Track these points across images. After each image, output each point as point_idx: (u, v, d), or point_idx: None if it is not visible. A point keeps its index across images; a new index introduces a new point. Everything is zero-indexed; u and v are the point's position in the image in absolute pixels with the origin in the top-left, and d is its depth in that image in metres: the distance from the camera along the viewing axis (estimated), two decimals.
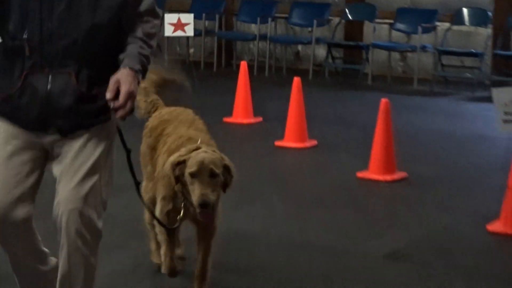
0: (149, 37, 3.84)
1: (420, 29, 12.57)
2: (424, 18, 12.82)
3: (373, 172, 7.64)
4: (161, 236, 4.75)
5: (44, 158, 3.83)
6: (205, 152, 4.51)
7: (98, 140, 3.81)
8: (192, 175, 4.35)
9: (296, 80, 8.86)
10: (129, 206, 5.90)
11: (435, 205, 6.95)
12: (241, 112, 9.94)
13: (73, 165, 3.74)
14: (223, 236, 6.01)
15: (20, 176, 3.73)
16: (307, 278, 5.34)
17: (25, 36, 3.69)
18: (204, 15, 13.81)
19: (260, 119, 9.90)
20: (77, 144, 3.76)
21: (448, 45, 12.83)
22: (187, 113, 5.38)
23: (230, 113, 9.96)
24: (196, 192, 4.33)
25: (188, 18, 11.78)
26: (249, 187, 7.30)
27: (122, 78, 3.62)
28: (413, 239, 6.09)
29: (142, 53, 3.76)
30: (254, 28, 13.87)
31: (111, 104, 3.60)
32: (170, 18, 11.82)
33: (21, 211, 3.69)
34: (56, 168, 3.79)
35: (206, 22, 13.98)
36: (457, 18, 12.80)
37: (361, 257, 5.72)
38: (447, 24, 12.86)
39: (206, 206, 4.33)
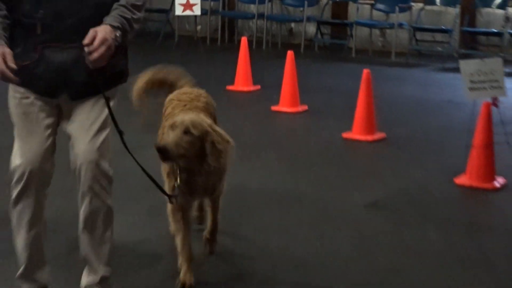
0: (133, 6, 3.74)
1: (397, 9, 12.54)
2: None
3: (356, 133, 7.61)
4: (174, 224, 4.44)
5: (57, 122, 3.89)
6: (188, 114, 4.25)
7: (104, 101, 3.83)
8: (169, 127, 4.09)
9: (290, 53, 8.82)
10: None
11: (410, 161, 6.94)
12: (242, 81, 9.91)
13: (86, 123, 3.80)
14: (229, 189, 5.99)
15: (44, 135, 3.80)
16: (299, 225, 5.33)
17: (39, 15, 3.65)
18: None
19: (258, 87, 9.89)
20: (87, 105, 3.82)
21: (421, 23, 12.80)
22: (190, 92, 4.86)
23: (232, 82, 9.93)
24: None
25: None
26: (248, 146, 7.28)
27: (99, 29, 3.56)
28: (390, 191, 6.07)
29: (122, 15, 3.68)
30: (253, 8, 13.81)
31: (86, 49, 3.53)
32: (180, 0, 11.73)
33: (48, 164, 3.81)
34: (70, 127, 3.84)
35: (211, 3, 13.93)
36: None
37: (345, 207, 5.71)
38: (420, 5, 12.83)
39: (159, 149, 3.96)
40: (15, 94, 3.82)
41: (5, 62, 3.50)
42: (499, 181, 6.20)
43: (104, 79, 3.77)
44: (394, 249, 4.94)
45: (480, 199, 5.98)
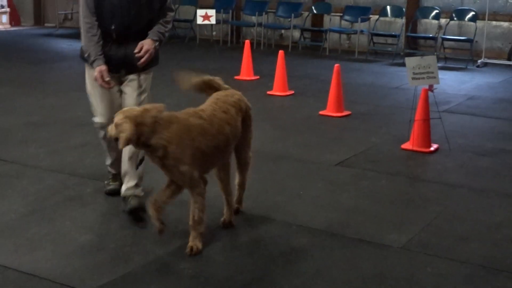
0: (166, 22, 4.53)
1: (359, 19, 12.46)
2: (362, 12, 12.68)
3: (329, 111, 7.58)
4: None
5: (120, 89, 4.56)
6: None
7: (146, 77, 4.58)
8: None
9: (281, 52, 8.78)
10: None
11: (368, 131, 6.92)
12: (246, 72, 9.85)
13: (135, 87, 4.52)
14: None
15: (114, 95, 4.54)
16: (287, 177, 5.35)
17: (113, 27, 4.41)
18: (222, 10, 13.67)
19: (258, 77, 9.85)
20: (136, 77, 4.52)
21: (377, 30, 12.71)
22: (227, 92, 4.43)
23: (238, 73, 9.88)
24: None
25: (212, 12, 11.65)
26: None
27: (145, 42, 4.39)
28: (354, 153, 6.07)
29: (159, 31, 4.48)
30: (254, 18, 13.71)
31: (136, 55, 4.35)
32: (200, 12, 11.66)
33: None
34: (125, 89, 4.54)
35: (223, 14, 13.83)
36: (383, 12, 12.65)
37: (320, 164, 5.72)
38: (376, 16, 12.73)
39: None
40: (93, 70, 4.42)
41: (102, 78, 4.34)
42: (433, 146, 6.21)
43: (150, 63, 4.50)
44: (356, 194, 4.98)
45: (419, 159, 6.00)
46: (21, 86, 8.83)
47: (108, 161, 4.80)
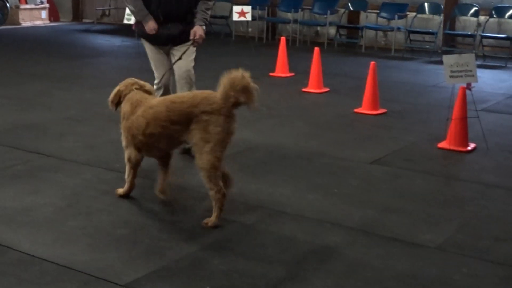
0: (207, 9, 5.62)
1: (396, 16, 12.36)
2: (399, 9, 12.57)
3: (364, 109, 7.54)
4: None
5: (168, 56, 5.76)
6: None
7: (188, 45, 5.57)
8: None
9: (316, 49, 8.75)
10: None
11: (404, 130, 6.87)
12: (281, 69, 9.85)
13: (183, 54, 5.52)
14: (266, 146, 6.03)
15: (166, 62, 5.72)
16: (321, 174, 5.33)
17: (159, 12, 5.53)
18: (258, 6, 13.69)
19: (293, 73, 9.84)
20: (182, 48, 5.59)
21: (414, 27, 12.59)
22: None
23: (274, 70, 9.89)
24: None
25: (248, 8, 11.65)
26: (285, 116, 7.28)
27: (197, 29, 5.52)
28: (389, 151, 6.04)
29: (203, 17, 5.59)
30: (289, 15, 13.69)
31: (192, 40, 5.51)
32: (236, 9, 11.68)
33: (169, 77, 5.74)
34: (174, 57, 5.63)
35: (259, 11, 13.84)
36: (420, 9, 12.53)
37: (354, 162, 5.69)
38: (413, 13, 12.60)
39: None
40: (149, 45, 5.74)
41: (155, 28, 5.54)
42: (470, 146, 6.14)
43: (186, 38, 5.56)
44: (391, 193, 4.95)
45: (456, 158, 5.93)
46: (59, 81, 8.97)
47: None
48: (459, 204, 4.76)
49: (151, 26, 5.52)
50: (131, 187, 4.63)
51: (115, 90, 4.62)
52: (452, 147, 6.08)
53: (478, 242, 4.09)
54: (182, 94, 4.87)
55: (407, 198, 4.83)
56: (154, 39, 5.63)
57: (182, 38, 5.58)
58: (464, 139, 6.10)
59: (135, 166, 4.55)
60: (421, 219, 4.44)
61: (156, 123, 4.26)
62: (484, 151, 6.10)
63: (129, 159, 4.54)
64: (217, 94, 4.25)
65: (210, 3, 5.62)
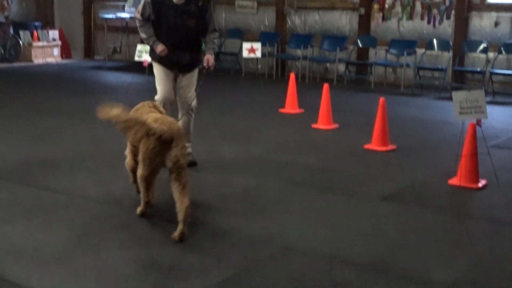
0: (214, 40, 6.34)
1: (405, 52, 12.42)
2: (408, 46, 12.65)
3: (374, 145, 7.53)
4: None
5: (175, 80, 6.35)
6: None
7: (194, 74, 6.39)
8: None
9: (325, 85, 8.77)
10: None
11: (414, 166, 6.84)
12: (290, 105, 9.87)
13: (187, 83, 6.32)
14: (274, 183, 6.01)
15: (171, 83, 6.32)
16: (331, 209, 5.30)
17: (169, 41, 6.16)
18: (267, 43, 13.80)
19: (302, 110, 9.86)
20: (188, 75, 6.33)
21: (423, 63, 12.65)
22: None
23: (283, 106, 9.92)
24: None
25: (257, 45, 11.77)
26: (294, 152, 7.27)
27: (209, 57, 6.22)
28: (399, 188, 6.01)
29: (212, 46, 6.32)
30: (299, 51, 13.80)
31: (205, 67, 6.21)
32: (246, 46, 11.80)
33: (172, 95, 6.33)
34: (180, 83, 6.34)
35: (269, 48, 13.96)
36: (429, 46, 12.60)
37: (365, 199, 5.66)
38: (423, 50, 12.67)
39: None
40: (158, 66, 6.31)
41: (164, 51, 6.15)
42: (481, 182, 6.10)
43: (195, 65, 6.35)
44: (401, 230, 4.91)
45: (467, 195, 5.89)
46: (70, 117, 9.04)
47: None
48: (470, 241, 4.71)
49: (160, 48, 6.15)
50: (145, 205, 4.94)
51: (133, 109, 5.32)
52: (462, 184, 6.05)
53: (491, 280, 4.04)
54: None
55: (418, 235, 4.79)
56: (162, 62, 6.27)
57: (190, 67, 6.31)
58: (475, 176, 6.07)
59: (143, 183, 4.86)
60: (432, 257, 4.39)
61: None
62: (495, 187, 6.06)
63: (139, 176, 4.87)
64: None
65: (217, 34, 6.38)
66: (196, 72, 6.40)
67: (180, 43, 6.15)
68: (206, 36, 6.31)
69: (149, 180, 4.78)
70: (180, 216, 4.47)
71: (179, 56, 6.20)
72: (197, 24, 6.16)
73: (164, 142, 4.57)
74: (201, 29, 6.24)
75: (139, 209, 4.96)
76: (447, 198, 5.78)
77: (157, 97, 6.32)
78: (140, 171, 4.79)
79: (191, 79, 6.34)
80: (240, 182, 6.02)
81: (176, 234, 4.47)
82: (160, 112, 5.28)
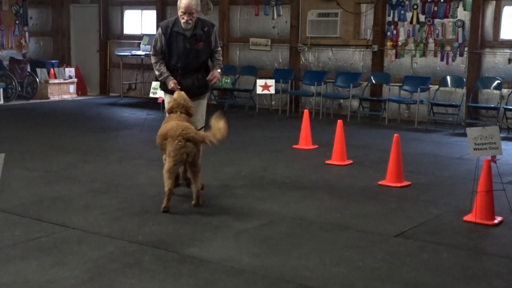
0: (219, 59, 6.88)
1: (419, 89, 12.45)
2: (421, 82, 12.68)
3: (388, 181, 7.50)
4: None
5: None
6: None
7: (203, 100, 6.96)
8: None
9: (339, 122, 8.77)
10: None
11: (429, 202, 6.79)
12: (304, 141, 9.88)
13: (196, 107, 6.73)
14: (290, 219, 5.99)
15: None
16: (345, 248, 5.26)
17: (179, 65, 6.71)
18: (281, 80, 13.89)
19: (316, 146, 9.86)
20: (197, 101, 6.80)
21: (437, 99, 12.65)
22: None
23: (297, 142, 9.93)
24: None
25: (271, 82, 11.84)
26: (308, 188, 7.26)
27: (215, 73, 6.76)
28: (414, 224, 5.96)
29: (219, 64, 6.86)
30: (313, 88, 13.87)
31: (210, 81, 6.75)
32: (260, 82, 11.87)
33: None
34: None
35: (282, 85, 14.05)
36: (443, 82, 12.63)
37: (380, 236, 5.62)
38: (436, 86, 12.70)
39: None
40: (166, 94, 6.89)
41: (176, 85, 6.67)
42: (497, 219, 6.04)
43: (203, 91, 6.89)
44: (416, 267, 4.86)
45: (482, 232, 5.83)
46: (85, 154, 9.10)
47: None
48: (487, 279, 4.65)
49: (172, 82, 6.70)
50: (167, 199, 6.11)
51: (170, 104, 6.55)
52: (478, 221, 5.99)
53: None
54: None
55: (433, 273, 4.74)
56: (171, 91, 6.76)
57: (200, 90, 6.82)
58: (491, 212, 6.02)
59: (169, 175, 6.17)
60: None
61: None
62: (511, 224, 6.01)
63: (166, 170, 6.18)
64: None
65: (220, 51, 6.96)
66: (205, 98, 7.00)
67: (191, 65, 6.71)
68: (212, 56, 6.90)
69: (173, 171, 6.13)
70: (194, 195, 6.28)
71: (190, 80, 6.72)
72: (204, 46, 6.72)
73: (187, 141, 6.08)
74: (208, 51, 6.80)
75: (162, 206, 6.11)
76: (463, 235, 5.73)
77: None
78: (166, 165, 6.16)
79: (200, 103, 6.89)
80: (254, 219, 6.00)
81: (193, 202, 6.29)
82: (188, 113, 6.54)
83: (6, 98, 15.25)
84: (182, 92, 6.61)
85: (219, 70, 6.82)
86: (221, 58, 6.94)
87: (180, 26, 6.66)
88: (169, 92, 6.81)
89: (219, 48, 6.95)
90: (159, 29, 6.77)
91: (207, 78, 6.75)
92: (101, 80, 17.59)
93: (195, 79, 6.75)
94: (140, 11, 17.03)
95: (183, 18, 6.60)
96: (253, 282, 4.42)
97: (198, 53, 6.71)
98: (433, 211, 6.45)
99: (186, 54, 6.66)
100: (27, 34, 16.74)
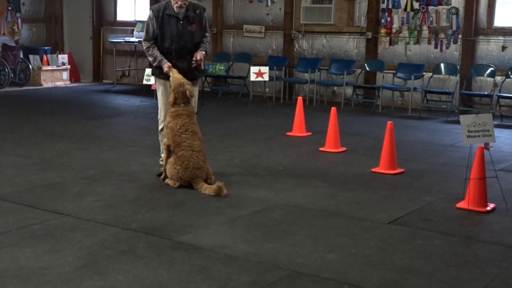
0: (207, 41, 6.93)
1: (413, 76, 12.45)
2: (415, 70, 12.68)
3: (382, 168, 7.51)
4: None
5: None
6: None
7: (195, 87, 6.85)
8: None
9: (333, 109, 8.77)
10: None
11: (422, 189, 6.81)
12: (298, 128, 9.88)
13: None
14: (283, 206, 6.00)
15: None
16: (339, 235, 5.27)
17: (173, 48, 6.70)
18: (275, 67, 13.86)
19: (310, 133, 9.86)
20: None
21: (430, 87, 12.65)
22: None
23: (291, 129, 9.93)
24: None
25: (265, 69, 11.81)
26: (302, 176, 7.26)
27: (199, 53, 6.76)
28: (407, 211, 5.98)
29: (205, 47, 6.88)
30: (306, 75, 13.86)
31: (194, 62, 6.72)
32: (254, 69, 11.84)
33: None
34: None
35: (276, 72, 14.02)
36: (436, 70, 12.62)
37: (373, 223, 5.63)
38: (430, 74, 12.69)
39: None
40: (159, 80, 6.85)
41: (170, 69, 6.64)
42: (490, 206, 6.07)
43: (197, 75, 6.91)
44: (409, 254, 4.88)
45: (475, 219, 5.86)
46: (78, 141, 9.08)
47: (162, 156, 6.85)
48: (480, 266, 4.67)
49: (166, 65, 6.65)
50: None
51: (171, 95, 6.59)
52: (471, 207, 6.01)
53: None
54: None
55: (426, 259, 4.76)
56: (167, 76, 6.69)
57: (192, 76, 6.76)
58: (483, 199, 6.04)
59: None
60: (442, 281, 4.36)
61: None
62: (504, 211, 6.02)
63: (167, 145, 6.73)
64: None
65: (209, 38, 7.03)
66: (198, 85, 7.02)
67: (185, 48, 6.71)
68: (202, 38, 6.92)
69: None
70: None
71: (185, 63, 6.72)
72: (197, 28, 6.79)
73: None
74: (201, 34, 6.85)
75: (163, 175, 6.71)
76: (456, 222, 5.75)
77: (161, 114, 6.90)
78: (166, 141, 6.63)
79: (195, 87, 6.88)
80: (247, 206, 6.01)
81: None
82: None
83: None
84: (177, 74, 6.59)
85: (203, 52, 6.82)
86: (207, 44, 6.97)
87: (172, 9, 6.70)
88: (162, 78, 6.80)
89: (208, 34, 6.98)
90: (150, 12, 6.76)
91: (193, 59, 6.74)
92: (94, 66, 17.51)
93: (188, 59, 6.76)
94: None
95: (176, 3, 6.64)
96: (247, 268, 4.43)
97: (192, 35, 6.74)
98: (426, 198, 6.46)
99: (179, 36, 6.68)
100: (19, 20, 16.63)
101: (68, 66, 16.58)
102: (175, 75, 6.59)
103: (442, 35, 12.81)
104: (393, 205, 6.21)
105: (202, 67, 6.98)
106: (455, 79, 12.53)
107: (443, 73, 12.63)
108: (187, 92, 6.54)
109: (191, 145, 6.47)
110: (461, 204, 6.12)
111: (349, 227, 5.50)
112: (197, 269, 4.45)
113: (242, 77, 14.44)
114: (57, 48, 17.30)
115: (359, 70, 13.49)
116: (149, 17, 6.77)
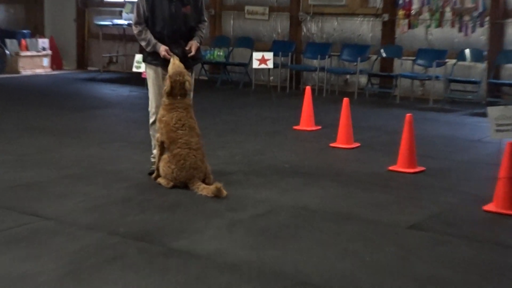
0: (203, 29, 6.92)
1: (434, 63, 12.45)
2: (437, 56, 12.68)
3: (400, 166, 7.50)
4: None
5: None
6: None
7: (192, 71, 6.89)
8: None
9: (345, 100, 8.77)
10: None
11: (445, 190, 6.80)
12: (306, 122, 9.88)
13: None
14: (290, 208, 5.99)
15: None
16: (352, 240, 5.27)
17: (165, 32, 6.69)
18: (280, 53, 13.87)
19: (319, 127, 9.87)
20: None
21: (454, 75, 12.66)
22: None
23: (298, 123, 9.93)
24: None
25: (269, 55, 11.83)
26: (310, 175, 7.26)
27: (193, 42, 6.76)
28: (429, 215, 5.97)
29: (200, 35, 6.88)
30: (315, 62, 13.86)
31: (188, 50, 6.69)
32: (256, 55, 11.85)
33: None
34: None
35: (282, 58, 14.02)
36: (461, 56, 12.63)
37: (390, 227, 5.63)
38: (454, 60, 12.69)
39: None
40: (151, 67, 6.83)
41: (168, 52, 6.61)
42: None
43: (192, 61, 6.85)
44: (432, 262, 4.87)
45: (504, 223, 5.84)
46: (61, 135, 9.08)
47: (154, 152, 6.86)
48: (509, 274, 4.66)
49: (163, 49, 6.63)
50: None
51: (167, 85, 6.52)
52: (499, 210, 6.00)
53: None
54: None
55: (450, 268, 4.75)
56: (161, 62, 6.71)
57: (186, 64, 6.67)
58: None
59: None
60: None
61: None
62: None
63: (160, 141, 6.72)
64: None
65: (205, 24, 7.00)
66: (192, 73, 6.94)
67: (178, 32, 6.72)
68: (198, 24, 6.91)
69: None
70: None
71: (179, 49, 6.70)
72: (192, 10, 6.78)
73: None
74: (196, 17, 6.85)
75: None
76: (482, 226, 5.74)
77: (152, 105, 6.91)
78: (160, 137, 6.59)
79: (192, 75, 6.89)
80: (249, 208, 6.00)
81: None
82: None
83: None
84: (178, 62, 6.55)
85: (198, 43, 6.81)
86: (204, 31, 6.95)
87: None
88: (154, 64, 6.78)
89: (205, 18, 6.98)
90: None
91: (186, 48, 6.72)
92: (78, 52, 17.53)
93: (182, 44, 6.74)
94: None
95: None
96: (248, 278, 4.43)
97: (186, 18, 6.73)
98: (450, 199, 6.45)
99: (172, 19, 6.66)
100: None
101: (49, 52, 16.59)
102: (176, 62, 6.54)
103: (467, 18, 12.79)
104: (412, 207, 6.19)
105: (198, 56, 6.94)
106: (482, 66, 12.52)
107: (468, 60, 12.62)
108: (186, 84, 6.51)
109: (188, 142, 6.43)
110: (488, 207, 6.11)
111: (363, 231, 5.49)
112: (193, 278, 4.44)
113: (244, 64, 14.44)
114: (37, 31, 17.32)
115: (374, 57, 13.48)
116: None
